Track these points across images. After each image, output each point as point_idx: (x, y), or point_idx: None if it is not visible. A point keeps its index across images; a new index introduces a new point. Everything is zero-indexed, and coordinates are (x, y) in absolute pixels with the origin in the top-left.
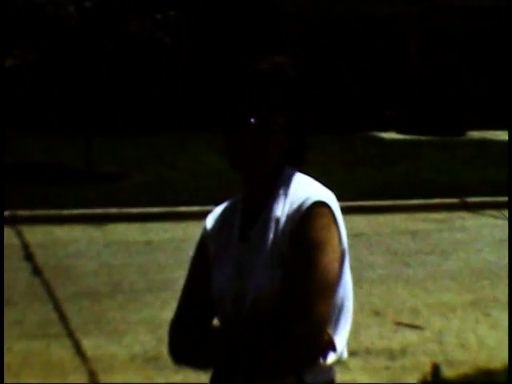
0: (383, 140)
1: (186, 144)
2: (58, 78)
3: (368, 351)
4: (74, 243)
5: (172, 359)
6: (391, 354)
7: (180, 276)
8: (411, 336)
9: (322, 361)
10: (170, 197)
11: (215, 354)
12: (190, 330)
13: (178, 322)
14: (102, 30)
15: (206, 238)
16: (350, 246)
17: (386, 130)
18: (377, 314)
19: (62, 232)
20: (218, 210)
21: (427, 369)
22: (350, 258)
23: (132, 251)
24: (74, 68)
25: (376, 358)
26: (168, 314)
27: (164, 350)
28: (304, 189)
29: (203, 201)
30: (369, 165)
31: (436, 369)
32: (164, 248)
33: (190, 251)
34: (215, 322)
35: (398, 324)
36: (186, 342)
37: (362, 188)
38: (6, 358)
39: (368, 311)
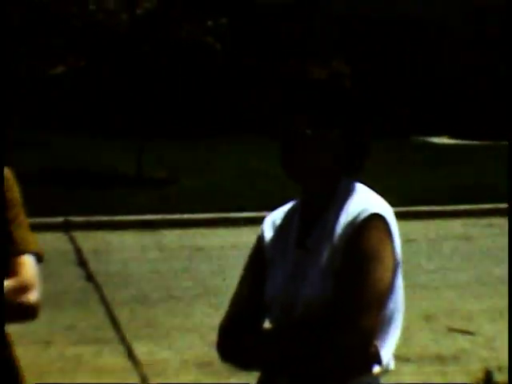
0: (435, 145)
1: (237, 149)
2: (109, 85)
3: (420, 356)
4: (126, 249)
5: (220, 357)
6: (443, 360)
7: (231, 282)
8: (463, 341)
9: (367, 372)
10: (221, 202)
11: (264, 357)
12: (240, 331)
13: (229, 322)
14: (153, 36)
15: (263, 242)
16: (402, 251)
17: (438, 134)
18: (428, 319)
19: (114, 238)
20: (276, 214)
21: (479, 374)
22: (403, 263)
23: (183, 257)
24: (125, 74)
25: (428, 363)
26: (219, 319)
27: (215, 355)
28: (361, 200)
29: (254, 206)
30: (420, 170)
31: (488, 374)
32: (215, 254)
33: (241, 257)
34: (266, 324)
35: (450, 329)
36: (235, 342)
37: (413, 193)
38: (59, 363)
39: (420, 316)
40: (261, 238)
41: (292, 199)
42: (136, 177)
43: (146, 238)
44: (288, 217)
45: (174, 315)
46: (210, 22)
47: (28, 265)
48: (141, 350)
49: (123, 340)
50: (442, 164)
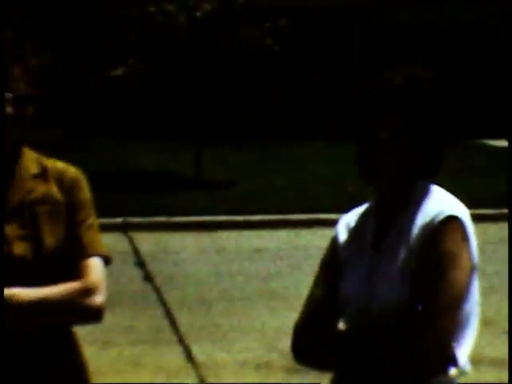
0: (494, 148)
1: (294, 152)
2: (168, 87)
3: (478, 360)
4: (184, 250)
5: (294, 358)
6: (501, 364)
7: (289, 284)
8: None
9: (443, 374)
10: (279, 205)
11: (338, 358)
12: (315, 332)
13: (304, 323)
14: (212, 38)
15: (337, 243)
16: None
17: (496, 137)
18: (487, 323)
19: (172, 239)
20: (350, 216)
21: None
22: None
23: (241, 259)
24: (184, 76)
25: (486, 367)
26: (277, 321)
27: (273, 356)
28: (437, 202)
29: (312, 209)
30: (479, 173)
31: None
32: (273, 256)
33: (300, 259)
34: (341, 326)
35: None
36: (310, 343)
37: (472, 197)
38: (117, 363)
39: (479, 320)
40: (335, 239)
41: (348, 202)
42: (195, 178)
43: (205, 239)
44: (362, 219)
45: (232, 317)
46: (268, 24)
47: (95, 267)
48: (199, 351)
49: (181, 341)
50: (501, 167)
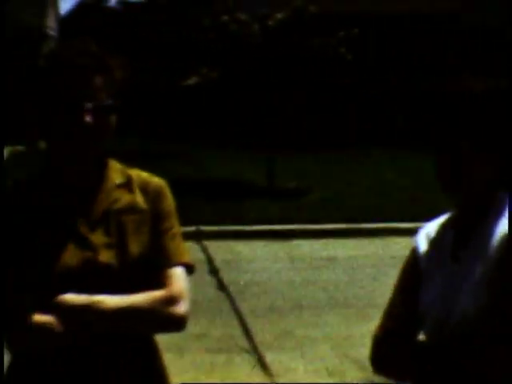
0: None
1: (368, 160)
2: (241, 96)
3: None
4: (257, 259)
5: (373, 368)
6: None
7: (362, 293)
8: None
9: None
10: (353, 213)
11: (417, 369)
12: (394, 342)
13: (383, 333)
14: (285, 47)
15: (417, 253)
16: None
17: None
18: None
19: (245, 248)
20: (430, 226)
21: None
22: None
23: (315, 267)
24: (257, 86)
25: None
26: (349, 330)
27: (346, 365)
28: None
29: (386, 217)
30: None
31: None
32: (346, 265)
33: (372, 268)
34: (420, 336)
35: None
36: (389, 353)
37: None
38: (192, 371)
39: None
40: (415, 249)
41: (421, 210)
42: (268, 187)
43: (277, 247)
44: (442, 229)
45: (305, 325)
46: (341, 33)
47: (179, 276)
48: (272, 359)
49: (255, 349)
50: None
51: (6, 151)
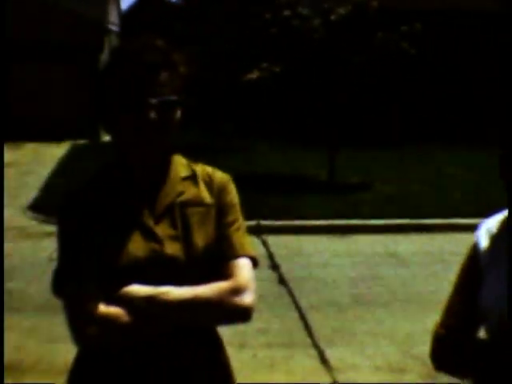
0: None
1: (430, 156)
2: (302, 90)
3: None
4: (317, 254)
5: (433, 364)
6: None
7: (423, 289)
8: None
9: None
10: (414, 209)
11: (478, 366)
12: (455, 339)
13: (444, 330)
14: (347, 42)
15: (478, 249)
16: None
17: None
18: None
19: (305, 242)
20: (490, 222)
21: None
22: None
23: (375, 263)
24: (318, 80)
25: None
26: (410, 326)
27: (407, 361)
28: None
29: (447, 213)
30: None
31: None
32: (407, 260)
33: (433, 264)
34: (481, 334)
35: None
36: (450, 350)
37: None
38: (252, 365)
39: None
40: (476, 245)
41: (482, 206)
42: (328, 182)
43: (338, 243)
44: (502, 225)
45: (364, 321)
46: (405, 28)
47: (244, 268)
48: (332, 354)
49: (315, 344)
50: None
51: (68, 145)
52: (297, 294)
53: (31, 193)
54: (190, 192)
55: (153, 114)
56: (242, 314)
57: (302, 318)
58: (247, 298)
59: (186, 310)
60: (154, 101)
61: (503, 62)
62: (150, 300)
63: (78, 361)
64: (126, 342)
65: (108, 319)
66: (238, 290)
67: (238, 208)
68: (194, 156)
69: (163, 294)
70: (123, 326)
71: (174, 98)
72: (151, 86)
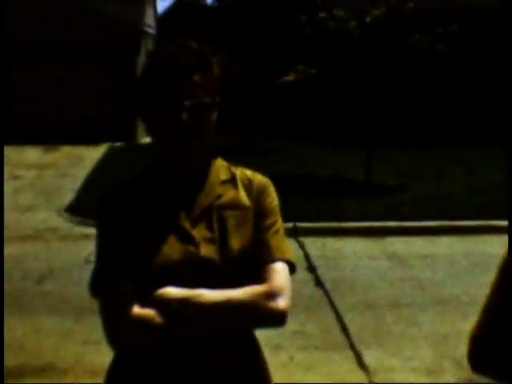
0: None
1: (466, 158)
2: (338, 92)
3: None
4: (354, 256)
5: (471, 367)
6: None
7: (460, 290)
8: None
9: None
10: (451, 211)
11: None
12: (493, 341)
13: (482, 332)
14: (383, 43)
15: None
16: None
17: None
18: None
19: (342, 244)
20: None
21: None
22: None
23: (412, 265)
24: (354, 81)
25: None
26: (448, 328)
27: (444, 363)
28: None
29: (483, 215)
30: None
31: None
32: (444, 262)
33: (471, 266)
34: None
35: None
36: (488, 352)
37: None
38: (288, 367)
39: None
40: None
41: None
42: (365, 184)
43: (375, 244)
44: None
45: (402, 323)
46: (440, 29)
47: (280, 272)
48: (370, 356)
49: (352, 346)
50: None
51: (105, 147)
52: (333, 295)
53: (68, 195)
54: (228, 195)
55: (186, 116)
56: (276, 319)
57: (339, 319)
58: (281, 303)
59: (219, 313)
60: (187, 103)
61: None
62: (184, 302)
63: (115, 362)
64: (159, 344)
65: (142, 321)
66: (272, 294)
67: (277, 211)
68: (229, 158)
69: (197, 296)
70: (157, 328)
71: (208, 100)
72: (185, 88)
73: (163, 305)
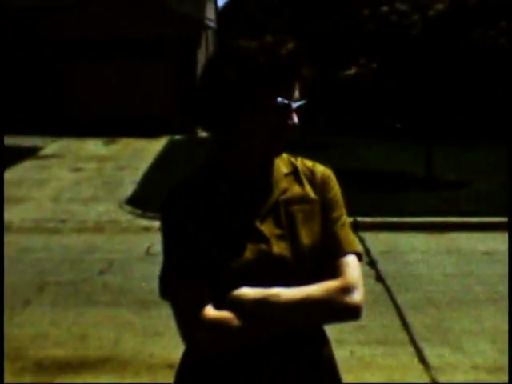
0: None
1: None
2: (399, 86)
3: None
4: (414, 251)
5: None
6: None
7: None
8: None
9: None
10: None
11: None
12: None
13: None
14: (446, 37)
15: None
16: None
17: None
18: None
19: (403, 239)
20: None
21: None
22: None
23: (473, 260)
24: (416, 76)
25: None
26: (510, 325)
27: (506, 360)
28: None
29: None
30: None
31: None
32: (506, 258)
33: None
34: None
35: None
36: None
37: None
38: (349, 362)
39: None
40: None
41: None
42: (426, 179)
43: (435, 240)
44: None
45: (463, 319)
46: (503, 23)
47: (352, 265)
48: (430, 352)
49: (413, 342)
50: None
51: (165, 140)
52: (394, 290)
53: (128, 187)
54: (293, 189)
55: (295, 119)
56: (353, 313)
57: (400, 315)
58: (357, 296)
59: (297, 311)
60: (294, 104)
61: None
62: (262, 303)
63: (186, 361)
64: (237, 347)
65: (219, 324)
66: (347, 289)
67: (341, 203)
68: (292, 153)
69: (274, 295)
70: (235, 331)
71: (304, 101)
72: (291, 91)
73: (239, 306)
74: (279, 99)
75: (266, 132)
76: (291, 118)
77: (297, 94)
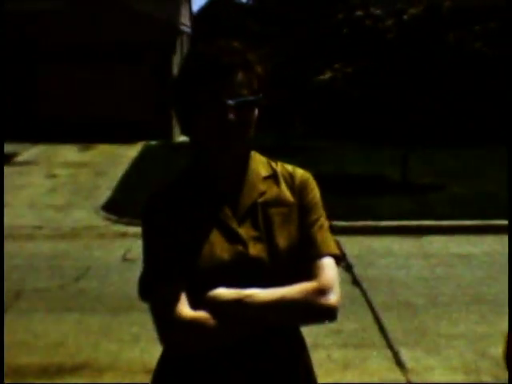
0: None
1: (504, 156)
2: (374, 90)
3: None
4: (390, 255)
5: (506, 365)
6: None
7: (497, 290)
8: None
9: None
10: (487, 209)
11: None
12: None
13: None
14: (420, 42)
15: None
16: None
17: None
18: None
19: (378, 243)
20: None
21: None
22: None
23: (449, 264)
24: (391, 80)
25: None
26: (486, 327)
27: (483, 363)
28: None
29: None
30: None
31: None
32: (481, 261)
33: (507, 266)
34: None
35: None
36: None
37: None
38: (326, 365)
39: None
40: None
41: None
42: (401, 183)
43: (411, 243)
44: None
45: (439, 322)
46: (478, 27)
47: (328, 267)
48: (407, 355)
49: (390, 345)
50: None
51: (141, 145)
52: (370, 294)
53: (104, 193)
54: (271, 192)
55: (231, 115)
56: (328, 314)
57: (376, 318)
58: (332, 298)
59: (272, 311)
60: (231, 102)
61: None
62: (237, 303)
63: (163, 362)
64: (213, 347)
65: (195, 324)
66: (323, 290)
67: (320, 206)
68: (270, 156)
69: (249, 296)
70: (210, 331)
71: (251, 98)
72: (229, 87)
73: (216, 306)
74: (218, 97)
75: (212, 130)
76: (228, 115)
77: (245, 91)
